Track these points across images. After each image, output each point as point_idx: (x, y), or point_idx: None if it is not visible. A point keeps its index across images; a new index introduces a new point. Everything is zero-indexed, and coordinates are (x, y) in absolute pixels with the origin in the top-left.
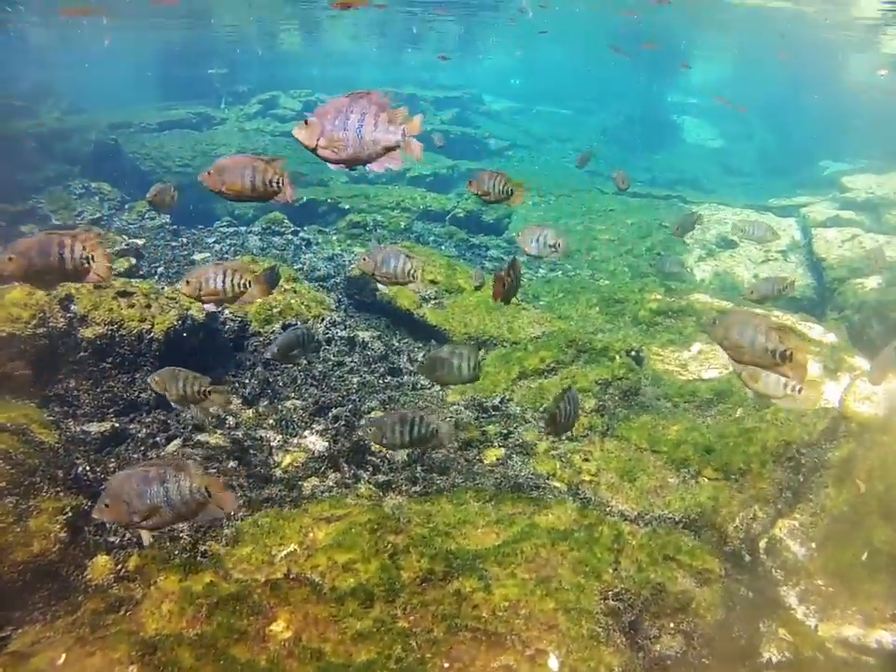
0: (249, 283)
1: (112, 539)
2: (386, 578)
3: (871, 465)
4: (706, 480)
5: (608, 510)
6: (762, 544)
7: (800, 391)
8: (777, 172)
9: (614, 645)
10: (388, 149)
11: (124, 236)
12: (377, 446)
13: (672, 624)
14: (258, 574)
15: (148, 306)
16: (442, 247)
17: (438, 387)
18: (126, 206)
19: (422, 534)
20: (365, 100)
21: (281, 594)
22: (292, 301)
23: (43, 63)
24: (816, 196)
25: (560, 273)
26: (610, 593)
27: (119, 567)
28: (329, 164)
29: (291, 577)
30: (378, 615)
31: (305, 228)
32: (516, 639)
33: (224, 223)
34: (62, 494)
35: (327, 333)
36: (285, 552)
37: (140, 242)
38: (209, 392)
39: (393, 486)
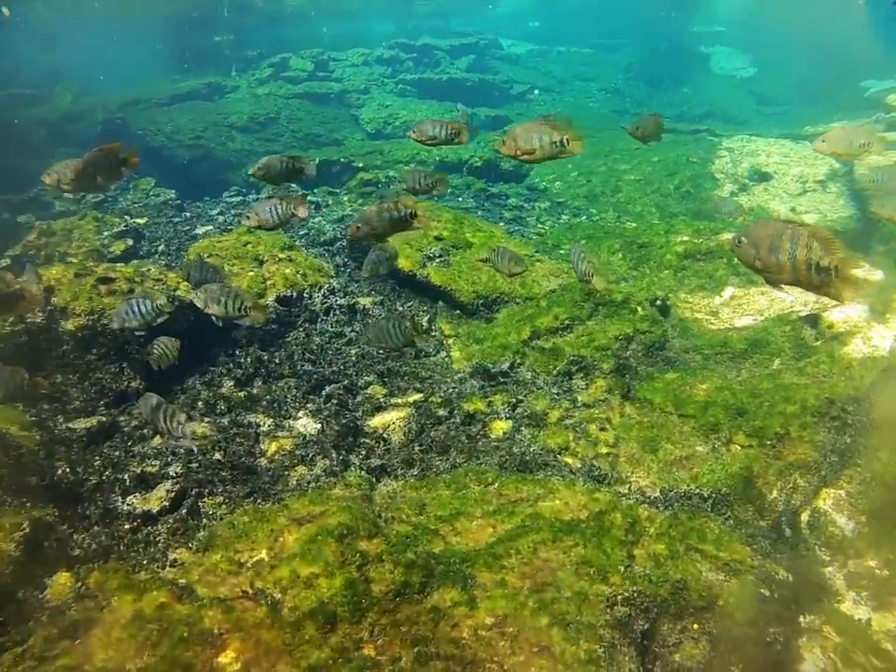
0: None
1: (76, 552)
2: (352, 595)
3: None
4: (738, 447)
5: (625, 488)
6: (804, 518)
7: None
8: (815, 97)
9: (619, 667)
10: None
11: (126, 216)
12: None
13: (696, 626)
14: (222, 587)
15: (131, 291)
16: (460, 199)
17: (443, 354)
18: (131, 185)
19: (403, 534)
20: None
21: (234, 617)
22: (287, 271)
23: (54, 46)
24: (857, 119)
25: (584, 217)
26: (619, 598)
27: (80, 584)
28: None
29: (250, 595)
30: (339, 641)
31: (315, 190)
32: (496, 668)
33: (232, 193)
34: (28, 504)
35: (325, 302)
36: (254, 559)
37: (141, 221)
38: None
39: (388, 471)
